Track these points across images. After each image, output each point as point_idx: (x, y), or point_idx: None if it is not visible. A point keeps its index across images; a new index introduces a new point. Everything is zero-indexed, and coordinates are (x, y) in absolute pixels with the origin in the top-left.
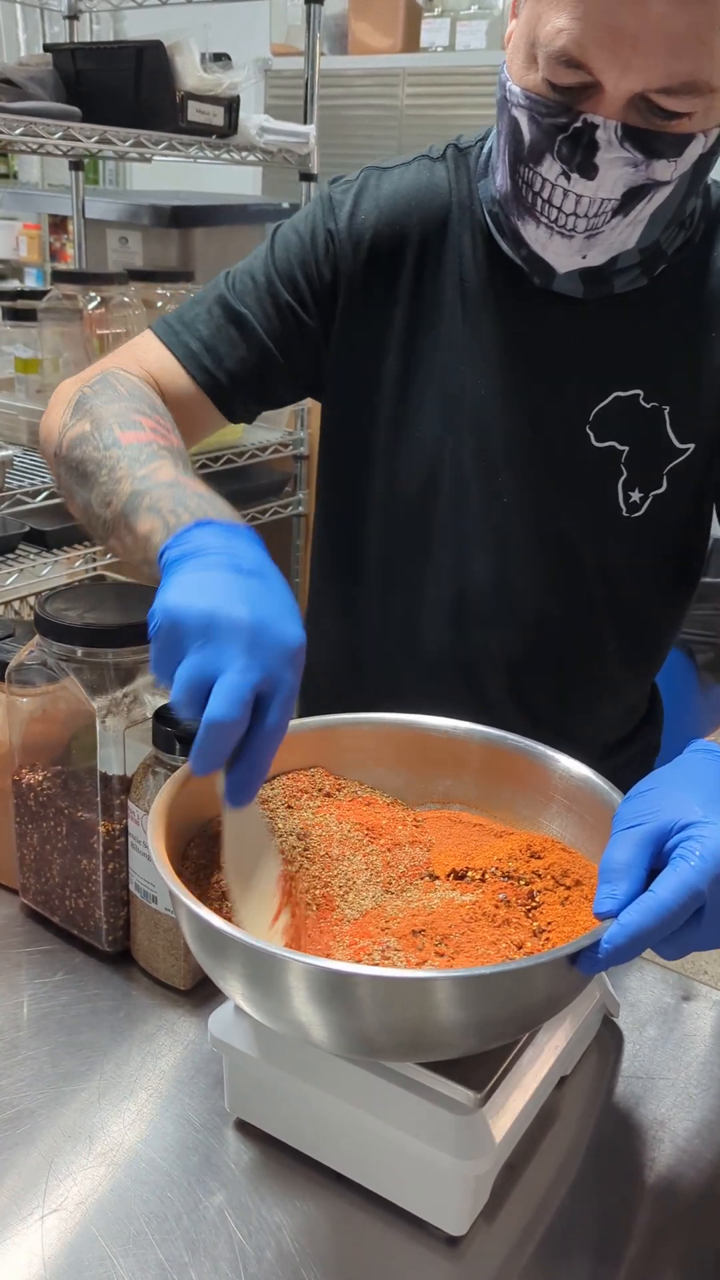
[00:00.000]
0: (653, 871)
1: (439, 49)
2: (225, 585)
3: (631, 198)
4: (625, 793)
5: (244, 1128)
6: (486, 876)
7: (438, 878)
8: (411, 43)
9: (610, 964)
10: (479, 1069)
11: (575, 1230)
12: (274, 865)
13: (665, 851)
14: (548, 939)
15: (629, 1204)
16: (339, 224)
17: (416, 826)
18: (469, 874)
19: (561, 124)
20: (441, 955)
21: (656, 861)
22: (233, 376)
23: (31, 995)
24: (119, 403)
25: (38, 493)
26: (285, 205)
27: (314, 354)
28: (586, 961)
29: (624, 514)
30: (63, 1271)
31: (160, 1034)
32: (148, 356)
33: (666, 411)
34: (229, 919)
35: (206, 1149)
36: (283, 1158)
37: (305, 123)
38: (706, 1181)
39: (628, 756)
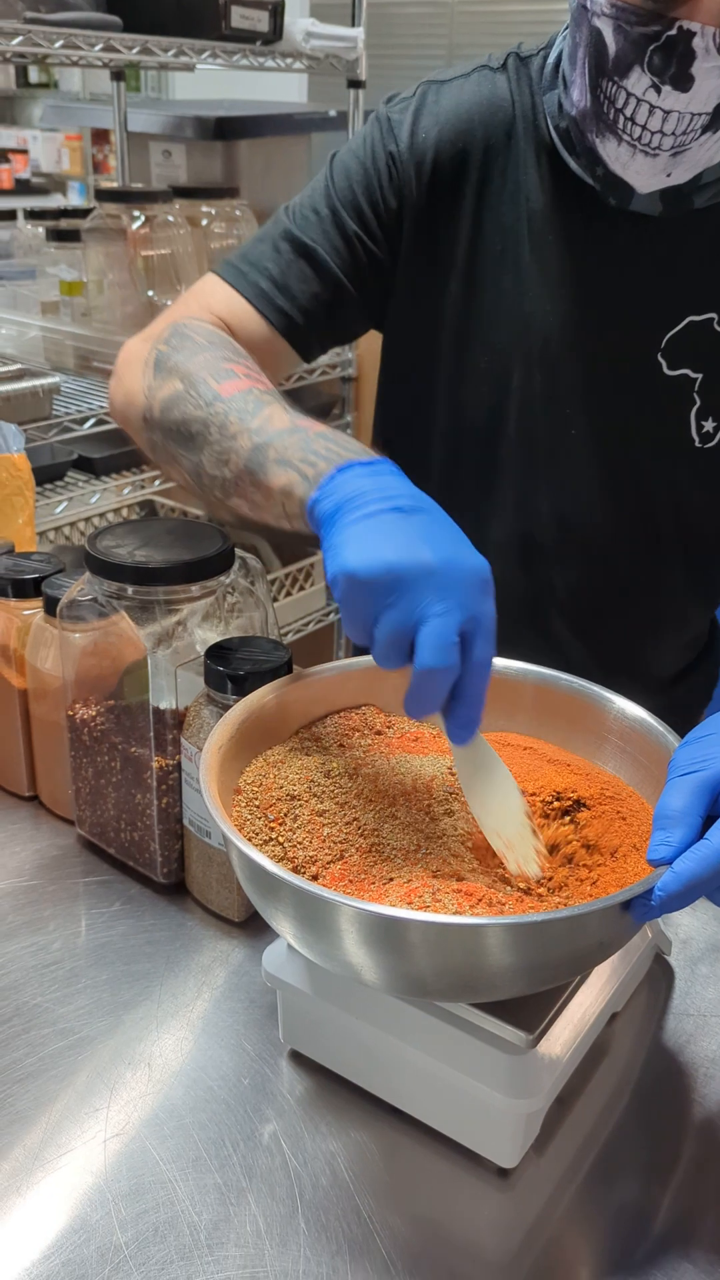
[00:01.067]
0: (709, 819)
1: None
2: (396, 530)
3: None
4: (682, 733)
5: (298, 1058)
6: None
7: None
8: None
9: (663, 911)
10: (531, 1010)
11: (623, 1163)
12: (515, 794)
13: None
14: (593, 883)
15: (676, 1138)
16: (400, 145)
17: None
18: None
19: (653, 33)
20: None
21: (714, 809)
22: (306, 313)
23: (89, 925)
24: (203, 353)
25: (85, 419)
26: (333, 114)
27: (384, 283)
28: (640, 909)
29: (696, 444)
30: (125, 1194)
31: (215, 965)
32: (214, 302)
33: None
34: (482, 858)
35: (261, 1078)
36: (336, 1088)
37: (353, 25)
38: None
39: (688, 687)
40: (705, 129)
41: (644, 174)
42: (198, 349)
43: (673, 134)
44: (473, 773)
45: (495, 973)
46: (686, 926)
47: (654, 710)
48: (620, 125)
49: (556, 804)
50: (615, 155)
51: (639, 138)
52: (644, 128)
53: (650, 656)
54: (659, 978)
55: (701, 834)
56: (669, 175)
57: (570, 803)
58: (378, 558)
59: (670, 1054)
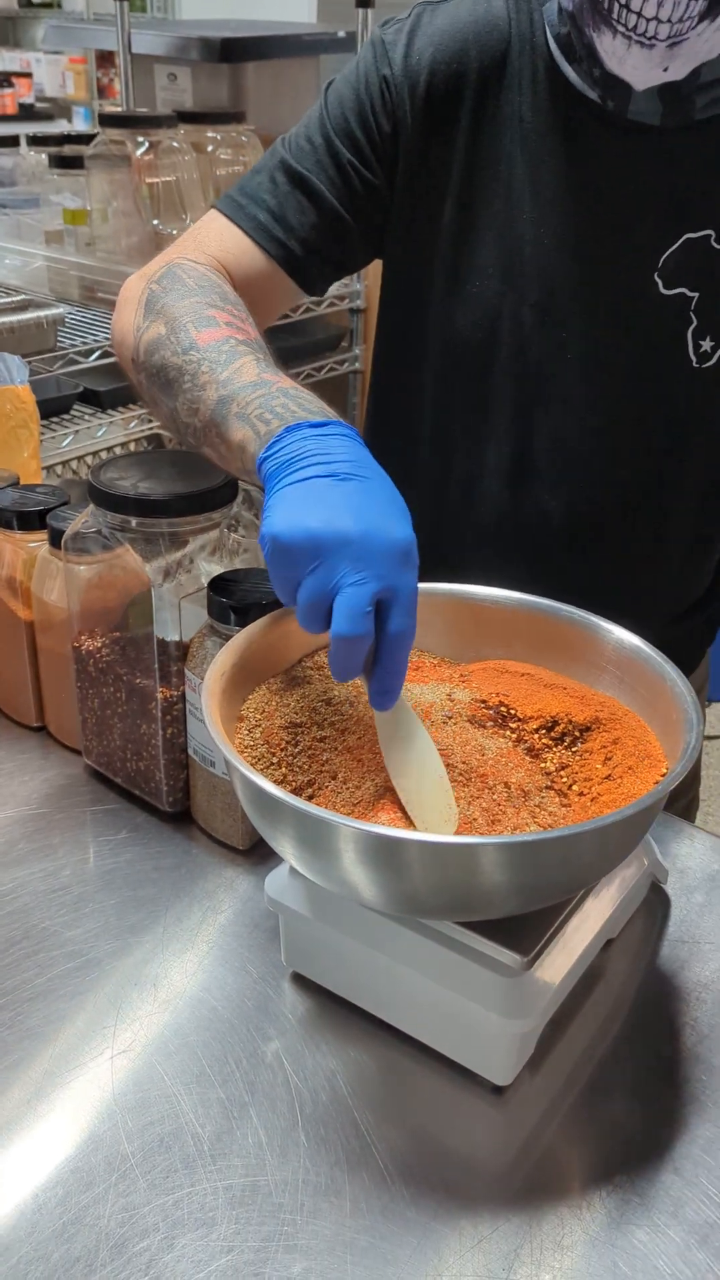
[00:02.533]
0: None
1: None
2: (325, 497)
3: None
4: (681, 664)
5: (300, 980)
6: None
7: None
8: None
9: None
10: (526, 933)
11: (615, 1081)
12: (435, 760)
13: None
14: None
15: (668, 1059)
16: (394, 68)
17: (463, 679)
18: (510, 716)
19: None
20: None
21: None
22: (305, 244)
23: (96, 852)
24: (190, 298)
25: (91, 351)
26: (341, 34)
27: (382, 211)
28: None
29: (694, 364)
30: (132, 1107)
31: (220, 890)
32: (211, 239)
33: None
34: (396, 822)
35: (264, 999)
36: (336, 1009)
37: None
38: None
39: (688, 629)
40: (702, 16)
41: (641, 68)
42: (186, 292)
43: (669, 21)
44: (391, 737)
45: (489, 891)
46: (684, 856)
47: (661, 644)
48: (615, 14)
49: (554, 730)
50: (612, 49)
51: (634, 26)
52: (639, 15)
53: (651, 589)
54: (655, 905)
55: None
56: (666, 70)
57: (567, 727)
58: (301, 524)
59: (664, 979)
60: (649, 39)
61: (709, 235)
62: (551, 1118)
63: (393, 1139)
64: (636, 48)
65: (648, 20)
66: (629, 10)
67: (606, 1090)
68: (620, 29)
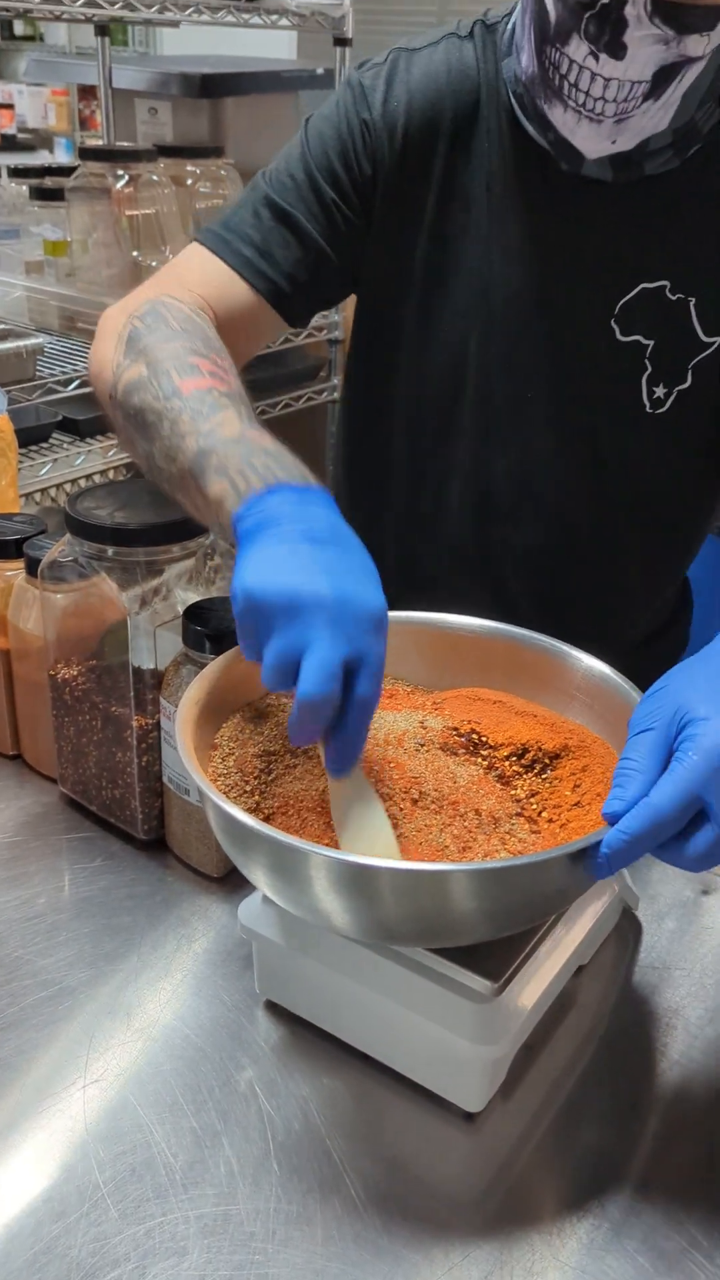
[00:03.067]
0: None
1: None
2: (303, 558)
3: (662, 78)
4: (647, 689)
5: (273, 1008)
6: (498, 749)
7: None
8: None
9: (614, 869)
10: (497, 959)
11: (588, 1108)
12: (386, 829)
13: (673, 751)
14: (548, 821)
15: (640, 1084)
16: (373, 113)
17: (435, 706)
18: (481, 742)
19: (587, 1)
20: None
21: (670, 761)
22: (290, 278)
23: (71, 879)
24: (174, 342)
25: (70, 381)
26: (319, 71)
27: (361, 247)
28: (592, 865)
29: (648, 410)
30: (104, 1137)
31: (194, 918)
32: (194, 274)
33: (693, 303)
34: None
35: (237, 1027)
36: (309, 1036)
37: None
38: (715, 1065)
39: (653, 653)
40: (646, 97)
41: (590, 139)
42: (170, 335)
43: (614, 101)
44: (346, 807)
45: (460, 917)
46: (655, 882)
47: (620, 673)
48: (565, 91)
49: (525, 758)
50: (563, 121)
51: (583, 104)
52: (587, 94)
53: (610, 619)
54: (627, 932)
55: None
56: (613, 142)
57: (537, 755)
58: (276, 581)
59: (635, 1005)
60: (597, 114)
61: (664, 286)
62: (524, 1145)
63: (365, 1167)
64: (586, 121)
65: (595, 99)
66: (577, 89)
67: (579, 1117)
68: (570, 104)
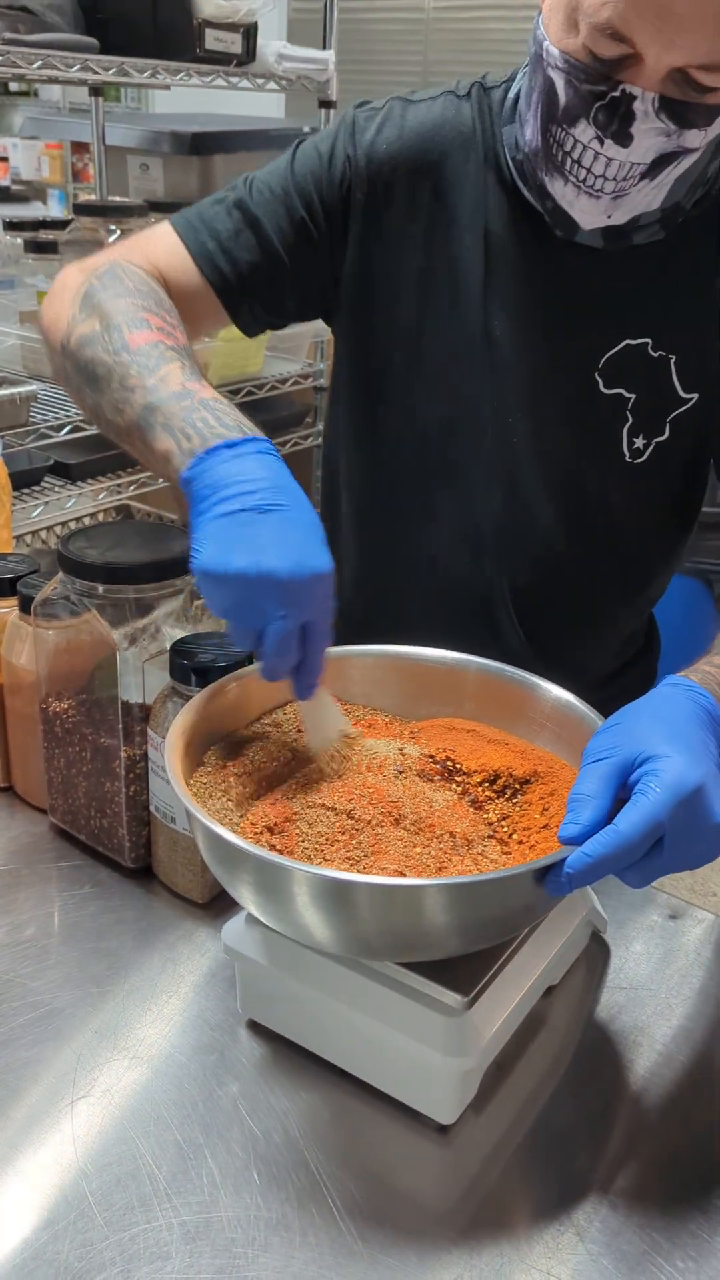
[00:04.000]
0: (620, 801)
1: None
2: (249, 533)
3: (660, 163)
4: None
5: (255, 1027)
6: (471, 774)
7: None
8: None
9: (573, 887)
10: (467, 974)
11: (558, 1122)
12: (342, 721)
13: (630, 784)
14: (517, 843)
15: (608, 1099)
16: (358, 150)
17: (413, 735)
18: (456, 769)
19: (599, 92)
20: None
21: (623, 792)
22: (242, 278)
23: (61, 906)
24: (126, 298)
25: (61, 426)
26: (307, 130)
27: (322, 271)
28: (552, 883)
29: (627, 459)
30: (91, 1149)
31: (180, 943)
32: (159, 250)
33: (673, 361)
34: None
35: (221, 1046)
36: (290, 1054)
37: (324, 48)
38: (680, 1081)
39: (622, 686)
40: (643, 177)
41: (587, 213)
42: (123, 292)
43: (614, 179)
44: (310, 713)
45: (433, 929)
46: (625, 908)
47: (592, 705)
48: (567, 167)
49: (496, 783)
50: (562, 193)
51: (583, 180)
52: (588, 170)
53: (588, 654)
54: (596, 955)
55: (611, 814)
56: (609, 216)
57: (508, 781)
58: (229, 562)
59: (604, 1024)
60: (595, 191)
61: (646, 343)
62: (495, 1156)
63: (342, 1177)
64: (585, 196)
65: (596, 176)
66: (579, 165)
67: (549, 1130)
68: (571, 179)
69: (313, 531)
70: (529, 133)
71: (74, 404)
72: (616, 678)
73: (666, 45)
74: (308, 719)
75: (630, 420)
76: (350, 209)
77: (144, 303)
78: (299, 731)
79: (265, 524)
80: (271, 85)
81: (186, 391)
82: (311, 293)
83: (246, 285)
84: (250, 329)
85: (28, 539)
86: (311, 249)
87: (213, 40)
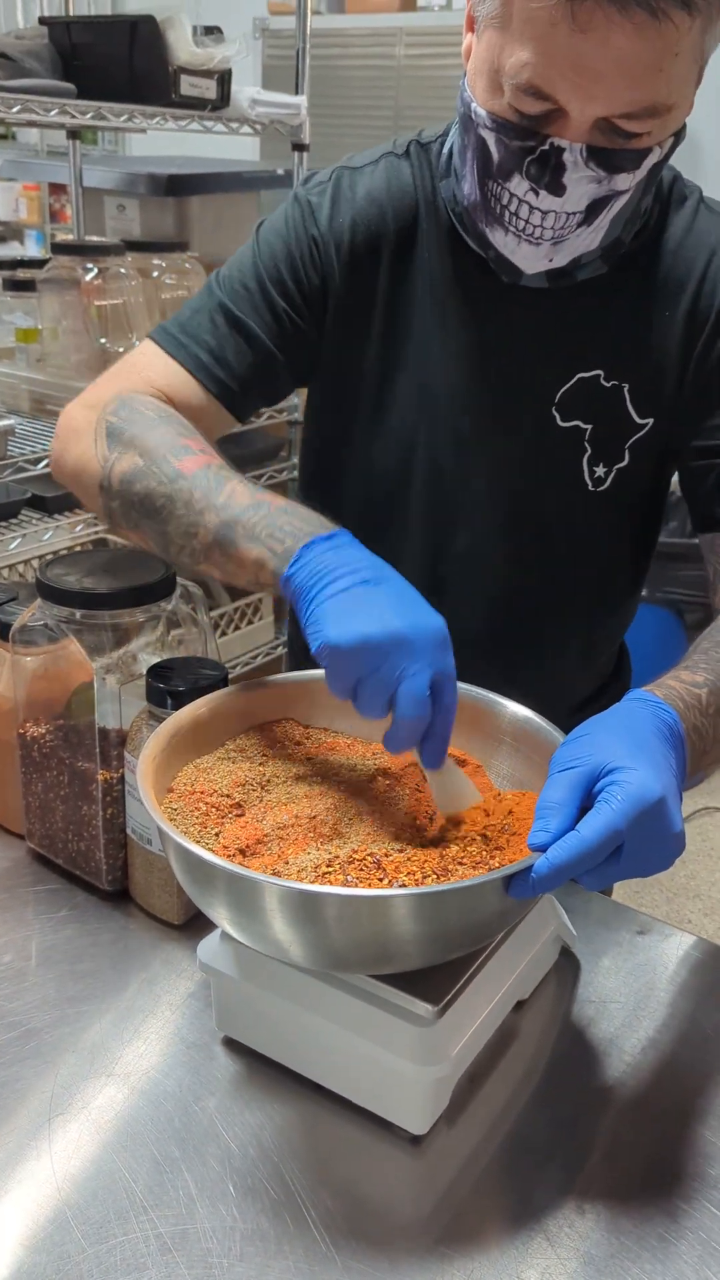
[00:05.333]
0: (585, 809)
1: (436, 7)
2: (367, 603)
3: (595, 208)
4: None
5: (231, 1044)
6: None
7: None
8: (409, 1)
9: (538, 890)
10: (437, 985)
11: (530, 1132)
12: (475, 795)
13: (594, 793)
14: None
15: (579, 1109)
16: (320, 229)
17: (375, 756)
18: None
19: (529, 147)
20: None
21: (587, 801)
22: (242, 382)
23: (38, 929)
24: (158, 429)
25: (39, 460)
26: (280, 172)
27: (310, 351)
28: (518, 887)
29: (590, 488)
30: (68, 1165)
31: (156, 963)
32: (153, 372)
33: (626, 389)
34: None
35: (197, 1062)
36: (265, 1069)
37: (297, 93)
38: (647, 1090)
39: (596, 710)
40: (580, 224)
41: (529, 259)
42: (151, 424)
43: (552, 228)
44: (444, 790)
45: (400, 937)
46: (594, 923)
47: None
48: (506, 219)
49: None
50: (503, 243)
51: (522, 229)
52: (527, 221)
53: (558, 685)
54: (566, 970)
55: (577, 822)
56: (550, 260)
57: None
58: (355, 631)
59: (574, 1037)
60: (536, 239)
61: (599, 375)
62: (467, 1167)
63: (316, 1188)
64: (525, 244)
65: (535, 226)
66: (518, 217)
67: (520, 1140)
68: (511, 229)
69: (419, 597)
70: (467, 188)
71: (82, 501)
72: (589, 705)
73: (587, 98)
74: (437, 789)
75: (589, 450)
76: (326, 288)
77: (177, 429)
78: (264, 753)
79: (379, 593)
80: (245, 129)
81: (259, 503)
82: (302, 370)
83: (246, 386)
84: (247, 418)
85: (4, 572)
86: (299, 336)
87: (188, 86)
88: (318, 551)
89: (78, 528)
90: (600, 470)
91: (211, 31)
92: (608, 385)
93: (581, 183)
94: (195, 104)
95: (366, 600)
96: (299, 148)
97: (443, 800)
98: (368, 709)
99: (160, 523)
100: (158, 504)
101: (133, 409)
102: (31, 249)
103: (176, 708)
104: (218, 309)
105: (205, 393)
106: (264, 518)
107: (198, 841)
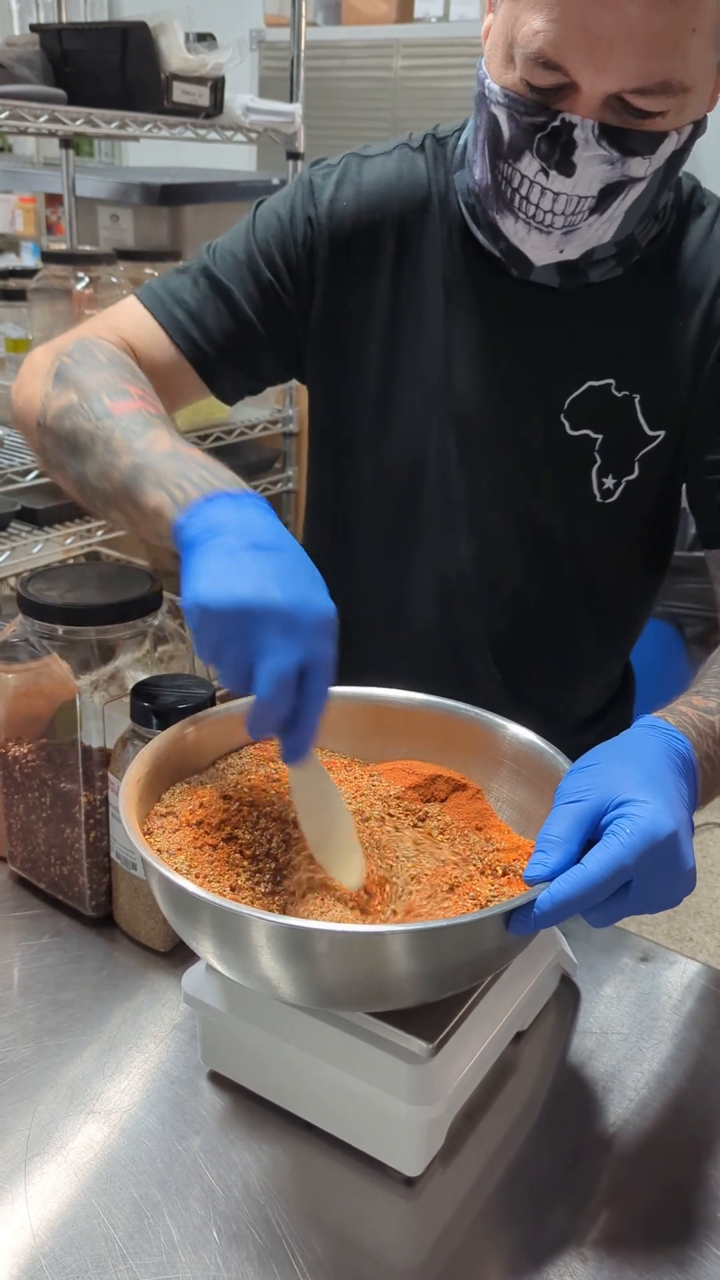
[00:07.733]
0: (591, 841)
1: (433, 19)
2: (251, 567)
3: (607, 195)
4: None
5: (216, 1079)
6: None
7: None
8: (405, 13)
9: (539, 926)
10: (432, 1022)
11: (529, 1174)
12: (344, 813)
13: (601, 826)
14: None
15: (580, 1149)
16: (319, 210)
17: (371, 777)
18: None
19: (540, 123)
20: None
21: (594, 834)
22: (217, 348)
23: (20, 957)
24: (103, 371)
25: (28, 471)
26: (275, 181)
27: (294, 331)
28: (519, 923)
29: (598, 500)
30: (44, 1210)
31: (140, 992)
32: (127, 324)
33: (637, 400)
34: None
35: (181, 1099)
36: (252, 1106)
37: (291, 101)
38: (652, 1128)
39: (600, 730)
40: (592, 211)
41: (540, 249)
42: (98, 366)
43: (563, 214)
44: (302, 790)
45: (394, 975)
46: (595, 951)
47: (567, 750)
48: (516, 204)
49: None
50: (513, 231)
51: (533, 215)
52: (537, 206)
53: (566, 698)
54: (566, 999)
55: (582, 855)
56: (561, 251)
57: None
58: (229, 593)
59: (574, 1070)
60: (546, 226)
61: (610, 384)
62: (464, 1211)
63: (304, 1234)
64: (535, 232)
65: (544, 211)
66: (528, 201)
67: (518, 1182)
68: (521, 215)
69: (314, 575)
70: (478, 172)
71: (25, 439)
72: (594, 723)
73: (599, 70)
74: (298, 792)
75: (599, 461)
76: (315, 269)
77: (121, 374)
78: (252, 777)
79: (268, 561)
80: (239, 137)
81: (177, 453)
82: (285, 352)
83: (221, 353)
84: (229, 397)
85: None
86: (282, 312)
87: (180, 93)
88: (218, 506)
89: (69, 540)
90: (609, 482)
91: (204, 38)
92: (619, 395)
93: (593, 163)
94: (188, 111)
95: (252, 565)
96: (294, 156)
97: (302, 808)
98: (227, 680)
99: (80, 461)
100: (81, 441)
101: (86, 351)
102: (28, 261)
103: (163, 727)
104: (202, 272)
105: (176, 351)
106: (176, 466)
107: (179, 868)
